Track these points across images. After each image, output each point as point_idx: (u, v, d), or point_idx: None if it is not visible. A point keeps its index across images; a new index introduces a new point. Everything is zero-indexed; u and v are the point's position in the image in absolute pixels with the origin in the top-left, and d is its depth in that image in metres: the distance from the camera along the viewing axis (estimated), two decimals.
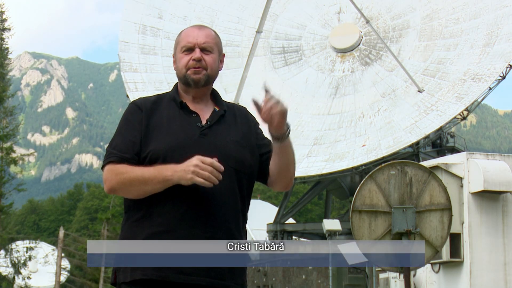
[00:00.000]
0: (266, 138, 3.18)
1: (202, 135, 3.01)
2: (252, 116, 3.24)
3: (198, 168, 2.83)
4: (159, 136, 2.99)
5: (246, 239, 3.11)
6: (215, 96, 3.20)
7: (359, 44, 35.01)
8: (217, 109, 3.13)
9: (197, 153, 2.94)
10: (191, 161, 2.85)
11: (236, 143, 3.04)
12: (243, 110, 3.25)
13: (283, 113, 2.95)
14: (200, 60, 3.06)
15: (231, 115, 3.15)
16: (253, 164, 3.09)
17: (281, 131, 2.98)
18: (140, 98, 3.19)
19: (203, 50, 3.08)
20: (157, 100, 3.12)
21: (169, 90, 3.21)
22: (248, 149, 3.08)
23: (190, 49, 3.08)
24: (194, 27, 3.16)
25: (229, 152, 3.00)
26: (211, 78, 3.11)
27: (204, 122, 3.06)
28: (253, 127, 3.20)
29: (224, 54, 3.22)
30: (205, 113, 3.10)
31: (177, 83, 3.20)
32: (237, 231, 3.03)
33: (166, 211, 2.93)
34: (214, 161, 2.86)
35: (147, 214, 2.95)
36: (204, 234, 2.92)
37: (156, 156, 2.95)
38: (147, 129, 3.01)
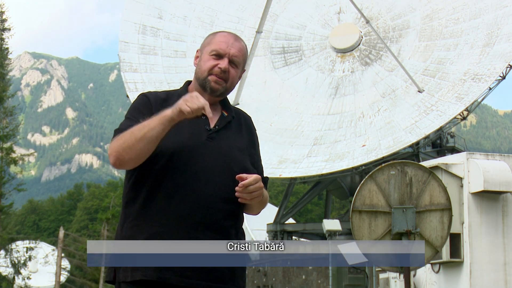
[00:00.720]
0: (260, 164, 3.22)
1: (209, 138, 3.01)
2: (255, 130, 3.26)
3: (188, 97, 2.86)
4: (167, 134, 2.99)
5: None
6: (223, 100, 3.20)
7: (359, 44, 35.01)
8: (225, 114, 3.13)
9: (203, 155, 2.95)
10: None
11: (240, 150, 3.05)
12: (249, 119, 3.27)
13: (257, 197, 2.98)
14: (226, 71, 3.05)
15: (237, 122, 3.17)
16: (253, 172, 3.09)
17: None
18: (150, 92, 3.17)
19: (231, 62, 3.07)
20: (167, 98, 3.10)
21: (178, 88, 3.20)
22: (249, 158, 3.09)
23: (219, 56, 3.07)
24: (231, 35, 3.16)
25: (234, 157, 3.01)
26: (228, 91, 3.13)
27: (212, 125, 3.06)
28: (256, 141, 3.23)
29: (244, 70, 3.22)
30: (213, 116, 3.10)
31: (187, 82, 3.19)
32: (236, 235, 3.04)
33: (168, 211, 2.92)
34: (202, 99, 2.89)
35: (148, 215, 2.95)
36: (204, 237, 2.92)
37: (162, 153, 2.94)
38: None
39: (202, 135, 3.00)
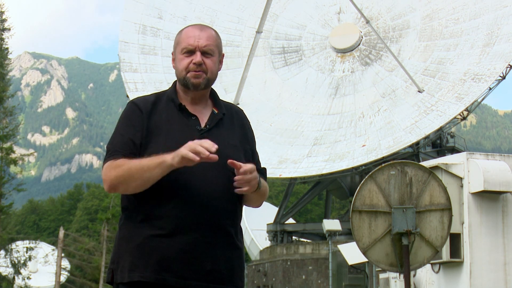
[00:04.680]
0: (256, 157, 3.20)
1: (201, 138, 3.00)
2: (248, 122, 3.23)
3: (191, 143, 2.82)
4: (158, 139, 2.97)
5: (243, 241, 3.11)
6: (213, 97, 3.18)
7: (359, 44, 35.01)
8: (216, 111, 3.12)
9: None
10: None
11: (233, 147, 3.02)
12: (240, 113, 3.23)
13: (253, 186, 2.95)
14: (201, 64, 3.04)
15: (229, 118, 3.14)
16: None
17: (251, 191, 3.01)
18: (139, 97, 3.16)
19: (204, 53, 3.05)
20: (156, 101, 3.09)
21: (168, 89, 3.19)
22: (243, 153, 3.07)
23: (190, 52, 3.05)
24: (195, 27, 3.12)
25: (227, 156, 2.97)
26: (211, 82, 3.10)
27: (203, 125, 3.04)
28: (249, 134, 3.20)
29: (223, 54, 3.19)
30: (203, 115, 3.08)
31: (175, 82, 3.18)
32: (236, 235, 3.03)
33: (166, 214, 2.91)
34: (208, 141, 2.84)
35: (147, 216, 2.94)
36: (203, 238, 2.91)
37: None
38: (147, 132, 2.99)
39: (193, 136, 2.97)
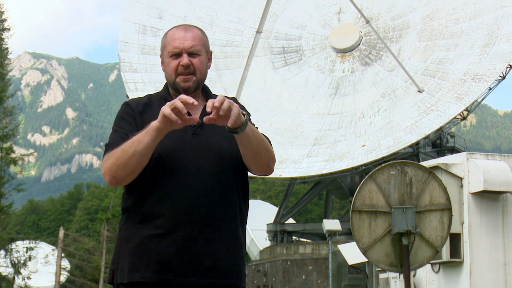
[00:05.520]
0: None
1: (194, 134, 3.00)
2: (242, 107, 3.20)
3: (171, 103, 2.78)
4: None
5: (245, 237, 3.10)
6: (205, 91, 3.19)
7: (359, 44, 35.01)
8: None
9: (190, 153, 2.94)
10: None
11: (228, 139, 3.01)
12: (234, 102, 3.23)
13: (229, 109, 2.75)
14: (189, 66, 3.04)
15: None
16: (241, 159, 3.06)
17: (237, 124, 2.80)
18: (132, 99, 3.20)
19: (190, 54, 3.05)
20: (149, 102, 3.13)
21: (160, 90, 3.21)
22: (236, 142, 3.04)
23: (177, 54, 3.05)
24: (180, 28, 3.12)
25: (223, 150, 2.99)
26: (201, 82, 3.11)
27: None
28: None
29: (211, 52, 3.19)
30: (196, 110, 3.08)
31: (167, 84, 3.20)
32: (236, 230, 3.02)
33: (164, 214, 2.91)
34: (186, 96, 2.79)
35: (145, 217, 2.94)
36: (202, 235, 2.91)
37: (151, 157, 2.93)
38: (141, 130, 3.00)
39: (187, 133, 2.99)
